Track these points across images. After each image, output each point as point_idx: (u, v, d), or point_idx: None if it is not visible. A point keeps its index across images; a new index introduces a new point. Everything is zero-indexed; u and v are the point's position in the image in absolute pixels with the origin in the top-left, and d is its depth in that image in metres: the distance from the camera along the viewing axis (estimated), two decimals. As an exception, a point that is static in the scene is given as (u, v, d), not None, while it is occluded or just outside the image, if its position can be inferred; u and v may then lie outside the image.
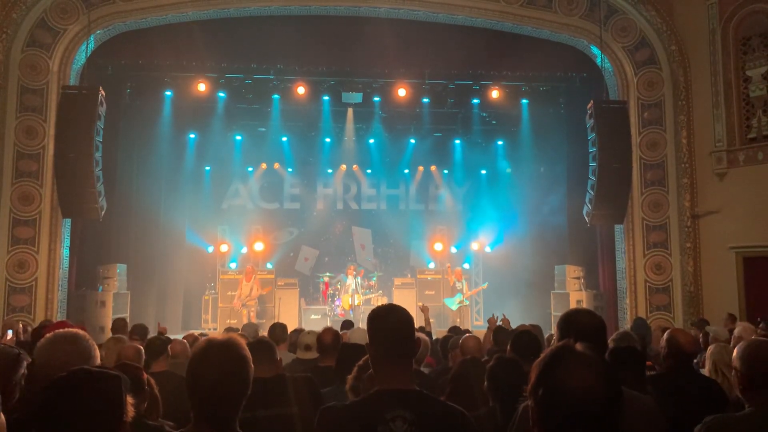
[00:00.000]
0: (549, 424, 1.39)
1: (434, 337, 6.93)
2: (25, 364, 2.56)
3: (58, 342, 2.16)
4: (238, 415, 1.88)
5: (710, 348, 4.00)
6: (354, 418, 2.00)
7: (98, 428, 1.56)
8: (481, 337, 5.49)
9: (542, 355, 1.47)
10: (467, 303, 13.79)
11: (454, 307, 13.63)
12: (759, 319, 7.96)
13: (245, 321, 11.65)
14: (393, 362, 2.07)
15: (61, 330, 2.26)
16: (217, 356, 1.85)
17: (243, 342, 1.96)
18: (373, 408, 1.98)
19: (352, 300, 13.61)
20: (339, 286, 14.59)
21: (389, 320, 2.13)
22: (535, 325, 4.26)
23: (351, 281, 13.80)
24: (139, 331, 6.41)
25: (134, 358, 3.74)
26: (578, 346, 1.44)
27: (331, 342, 4.32)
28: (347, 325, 7.11)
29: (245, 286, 13.19)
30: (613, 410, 1.38)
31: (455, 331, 6.65)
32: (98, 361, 2.23)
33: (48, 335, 2.19)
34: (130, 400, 1.65)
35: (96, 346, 2.24)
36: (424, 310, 7.17)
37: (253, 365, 1.94)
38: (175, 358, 5.16)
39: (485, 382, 3.20)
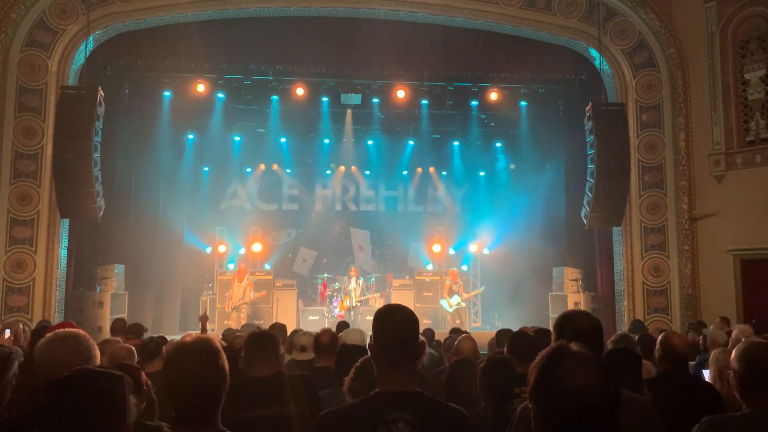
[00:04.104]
0: (550, 424, 1.40)
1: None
2: (16, 363, 2.56)
3: (58, 341, 2.17)
4: (218, 411, 1.91)
5: (713, 353, 3.99)
6: (353, 420, 1.97)
7: (100, 428, 1.57)
8: (480, 338, 5.50)
9: (539, 356, 1.48)
10: (464, 305, 13.79)
11: (451, 309, 13.62)
12: (753, 321, 7.99)
13: (234, 325, 11.02)
14: (395, 363, 2.04)
15: (61, 330, 2.26)
16: (187, 355, 1.92)
17: (213, 339, 2.03)
18: (374, 410, 1.96)
19: (350, 301, 13.61)
20: (338, 287, 14.58)
21: (392, 320, 2.10)
22: (546, 330, 4.26)
23: (353, 283, 13.78)
24: (135, 330, 6.41)
25: (127, 358, 3.73)
26: (573, 346, 1.46)
27: (327, 343, 4.32)
28: (342, 326, 7.11)
29: (237, 287, 12.83)
30: (613, 408, 1.39)
31: (456, 332, 6.64)
32: (98, 361, 2.23)
33: (48, 335, 2.19)
34: (132, 400, 1.67)
35: (96, 346, 2.25)
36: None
37: (226, 359, 1.98)
38: None
39: (477, 383, 3.21)
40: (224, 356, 1.98)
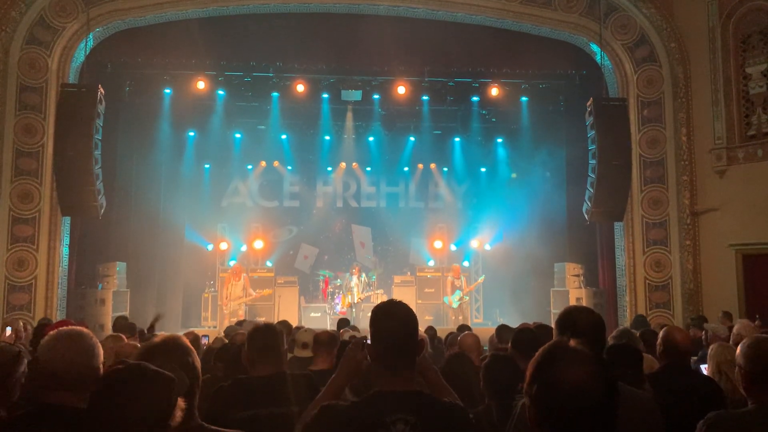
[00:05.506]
0: (545, 420, 1.39)
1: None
2: (25, 362, 2.55)
3: (62, 339, 2.16)
4: (194, 407, 1.94)
5: (712, 348, 3.97)
6: (353, 420, 1.94)
7: (139, 427, 1.55)
8: (481, 334, 5.49)
9: (536, 353, 1.47)
10: (467, 299, 13.78)
11: (455, 305, 13.60)
12: (757, 316, 7.99)
13: (226, 323, 10.99)
14: (393, 362, 2.02)
15: (64, 327, 2.25)
16: (160, 355, 1.93)
17: (181, 337, 2.06)
18: (374, 410, 1.93)
19: (351, 297, 13.61)
20: (340, 283, 14.59)
21: (390, 317, 2.07)
22: (546, 325, 4.26)
23: (355, 281, 13.76)
24: (129, 328, 6.42)
25: (132, 357, 3.71)
26: (572, 343, 1.45)
27: (325, 344, 4.26)
28: (343, 323, 7.10)
29: (234, 285, 12.69)
30: (607, 405, 1.38)
31: (462, 329, 6.63)
32: (101, 359, 2.23)
33: (52, 332, 2.19)
34: (181, 404, 1.64)
35: (100, 344, 2.24)
36: None
37: (197, 356, 2.01)
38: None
39: (480, 381, 3.20)
40: (195, 353, 2.00)
